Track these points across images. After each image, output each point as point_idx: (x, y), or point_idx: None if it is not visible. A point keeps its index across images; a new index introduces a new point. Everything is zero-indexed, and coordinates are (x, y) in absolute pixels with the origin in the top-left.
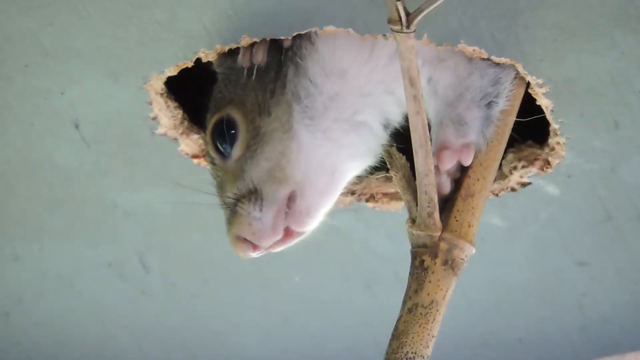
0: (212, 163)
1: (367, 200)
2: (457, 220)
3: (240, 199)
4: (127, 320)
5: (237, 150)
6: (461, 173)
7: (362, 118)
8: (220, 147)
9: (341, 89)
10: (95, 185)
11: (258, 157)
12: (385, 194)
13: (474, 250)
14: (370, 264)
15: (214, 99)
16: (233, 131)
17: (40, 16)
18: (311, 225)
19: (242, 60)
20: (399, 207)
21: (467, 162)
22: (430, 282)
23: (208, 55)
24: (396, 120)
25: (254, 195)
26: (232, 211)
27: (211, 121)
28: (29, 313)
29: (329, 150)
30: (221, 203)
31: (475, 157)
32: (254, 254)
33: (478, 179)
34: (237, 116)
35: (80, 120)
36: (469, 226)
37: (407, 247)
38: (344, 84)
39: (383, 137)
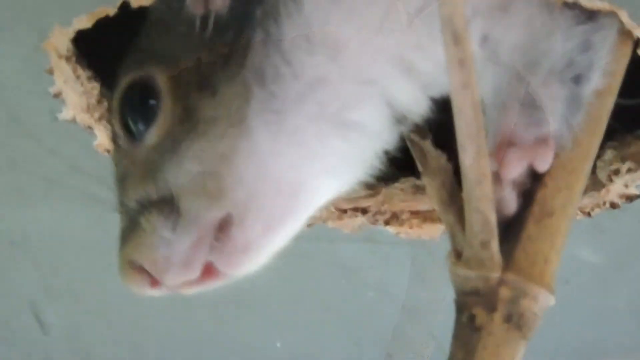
0: (116, 144)
1: (387, 223)
2: (527, 254)
3: (146, 206)
4: None
5: (153, 134)
6: (534, 182)
7: (355, 116)
8: (130, 124)
9: (330, 72)
10: None
11: (184, 153)
12: (414, 213)
13: (553, 300)
14: (391, 320)
15: (136, 49)
16: (153, 103)
17: None
18: (246, 267)
19: (192, 3)
20: (437, 233)
21: (543, 166)
22: (485, 348)
23: None
24: (418, 109)
25: (168, 206)
26: (132, 221)
27: (123, 82)
28: None
29: (296, 161)
30: (118, 205)
31: (556, 157)
32: (152, 292)
33: (560, 191)
34: (162, 83)
35: None
36: (546, 262)
37: (448, 295)
38: (335, 66)
39: (386, 140)
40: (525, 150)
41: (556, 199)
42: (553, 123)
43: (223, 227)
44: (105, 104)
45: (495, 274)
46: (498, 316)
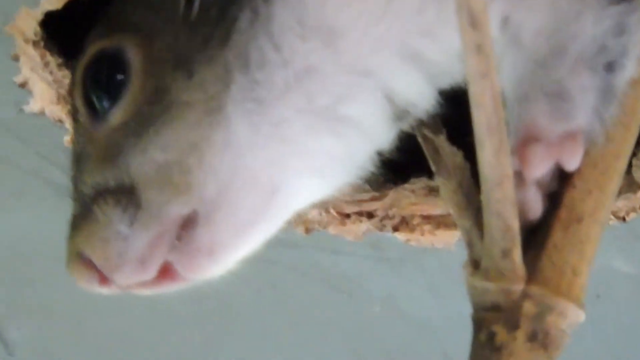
0: (75, 120)
1: (395, 229)
2: (553, 264)
3: (102, 194)
4: None
5: (118, 114)
6: (561, 183)
7: (349, 110)
8: (93, 99)
9: (323, 61)
10: None
11: (150, 138)
12: (426, 217)
13: (582, 316)
14: (399, 337)
15: (109, 15)
16: (120, 78)
17: None
18: (209, 271)
19: None
20: (452, 241)
21: (571, 165)
22: None
23: None
24: (422, 103)
25: (126, 197)
26: (85, 208)
27: (90, 51)
28: None
29: (277, 157)
30: (71, 188)
31: (586, 155)
32: (102, 289)
33: (590, 192)
34: (134, 56)
35: None
36: (574, 274)
37: (464, 309)
38: (330, 54)
39: (383, 138)
40: (551, 146)
41: (586, 202)
42: (582, 116)
43: (187, 225)
44: None
45: (518, 287)
46: (521, 334)
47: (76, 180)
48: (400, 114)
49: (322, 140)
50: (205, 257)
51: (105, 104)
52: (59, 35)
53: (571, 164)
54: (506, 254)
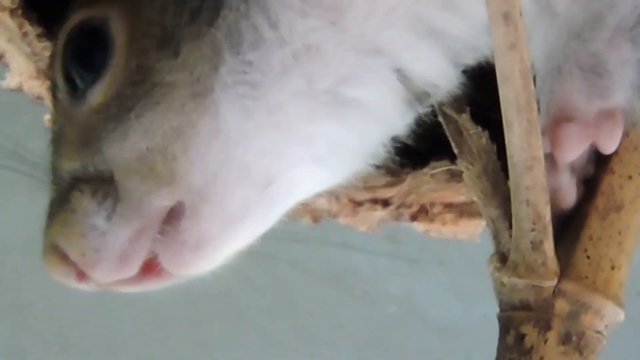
0: (55, 97)
1: (413, 218)
2: (588, 257)
3: (79, 182)
4: None
5: (99, 93)
6: (597, 168)
7: (355, 92)
8: (73, 75)
9: (326, 38)
10: None
11: (131, 122)
12: (448, 206)
13: (622, 315)
14: (418, 340)
15: None
16: (103, 52)
17: None
18: (197, 267)
19: None
20: (476, 231)
21: (608, 147)
22: None
23: None
24: (444, 83)
25: (104, 187)
26: (62, 195)
27: (71, 22)
28: None
29: (272, 145)
30: (49, 171)
31: (625, 136)
32: (79, 285)
33: (630, 178)
34: (117, 30)
35: None
36: (613, 268)
37: (491, 308)
38: (333, 32)
39: (396, 123)
40: (586, 126)
41: (625, 189)
42: (621, 93)
43: (171, 218)
44: None
45: (549, 283)
46: (553, 336)
47: (53, 163)
48: (418, 96)
49: (323, 127)
50: (191, 252)
51: (86, 81)
52: (39, 2)
53: (609, 146)
54: (536, 246)
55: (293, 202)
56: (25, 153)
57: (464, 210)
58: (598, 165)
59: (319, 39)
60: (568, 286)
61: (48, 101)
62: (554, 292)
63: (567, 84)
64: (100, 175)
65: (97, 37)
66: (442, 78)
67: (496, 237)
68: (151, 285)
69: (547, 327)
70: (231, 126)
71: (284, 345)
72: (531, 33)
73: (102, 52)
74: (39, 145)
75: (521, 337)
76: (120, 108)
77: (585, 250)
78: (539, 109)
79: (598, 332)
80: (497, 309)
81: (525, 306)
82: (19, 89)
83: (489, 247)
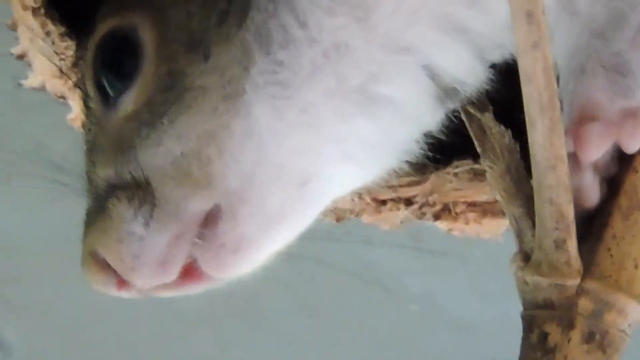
0: (87, 106)
1: (436, 217)
2: (612, 256)
3: (115, 189)
4: None
5: (131, 100)
6: (620, 167)
7: (386, 89)
8: (104, 83)
9: (354, 36)
10: None
11: (165, 128)
12: (471, 204)
13: None
14: (439, 339)
15: None
16: (133, 60)
17: None
18: (237, 270)
19: None
20: (499, 230)
21: (632, 146)
22: None
23: None
24: (473, 80)
25: (141, 193)
26: (99, 203)
27: (100, 31)
28: None
29: (306, 144)
30: (85, 180)
31: None
32: (120, 293)
33: None
34: (146, 36)
35: None
36: (636, 267)
37: (514, 308)
38: (362, 29)
39: (428, 120)
40: (609, 125)
41: None
42: None
43: (209, 221)
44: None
45: (573, 282)
46: (576, 334)
47: (89, 172)
48: (447, 92)
49: (355, 124)
50: (230, 255)
51: (117, 89)
52: (61, 2)
53: (632, 145)
54: (560, 245)
55: (329, 201)
56: (47, 152)
57: (487, 209)
58: (621, 164)
59: (347, 37)
60: (591, 285)
61: (71, 100)
62: (577, 291)
63: (590, 83)
64: (135, 181)
65: (126, 45)
66: (470, 74)
67: (519, 236)
68: (191, 289)
69: (570, 326)
70: (264, 127)
71: (304, 344)
72: (553, 32)
73: (132, 59)
74: (62, 144)
75: (545, 336)
76: (153, 114)
77: (609, 249)
78: (562, 108)
79: (621, 330)
80: (520, 308)
81: (548, 305)
82: (41, 88)
83: (512, 246)
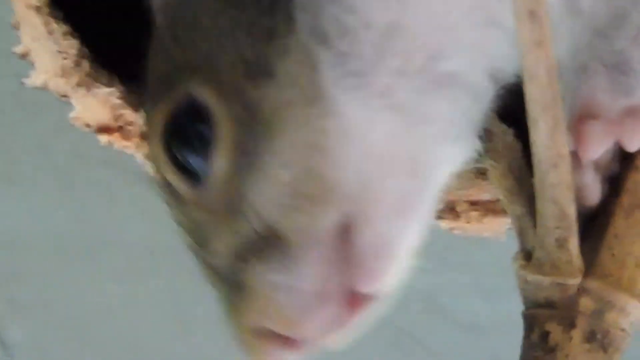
0: (173, 198)
1: (438, 216)
2: (613, 255)
3: (244, 255)
4: None
5: (219, 160)
6: (622, 165)
7: (451, 65)
8: (185, 164)
9: (403, 16)
10: None
11: (264, 163)
12: (473, 203)
13: None
14: (442, 338)
15: (154, 68)
16: (205, 124)
17: None
18: (389, 275)
19: None
20: (501, 229)
21: (633, 144)
22: None
23: None
24: (510, 67)
25: (270, 241)
26: (231, 282)
27: (158, 116)
28: None
29: (400, 127)
30: (202, 271)
31: None
32: (291, 357)
33: None
34: (207, 95)
35: None
36: (637, 266)
37: (516, 307)
38: (407, 9)
39: (490, 96)
40: (610, 124)
41: None
42: None
43: (344, 234)
44: (85, 66)
45: (574, 281)
46: (577, 334)
47: (205, 259)
48: (496, 73)
49: (435, 104)
50: (377, 260)
51: (200, 161)
52: (65, 1)
53: (633, 143)
54: (561, 243)
55: (439, 186)
56: (50, 151)
57: (489, 208)
58: (623, 162)
59: (397, 17)
60: (593, 284)
61: (73, 99)
62: (578, 290)
63: (591, 82)
64: (259, 234)
65: (192, 116)
66: (508, 61)
67: (521, 234)
68: (356, 320)
69: (571, 325)
70: (355, 119)
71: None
72: (558, 30)
73: (203, 125)
74: (64, 143)
75: (546, 335)
76: (247, 158)
77: (610, 248)
78: (564, 106)
79: (623, 330)
80: (522, 307)
81: (549, 304)
82: (44, 87)
83: (514, 245)
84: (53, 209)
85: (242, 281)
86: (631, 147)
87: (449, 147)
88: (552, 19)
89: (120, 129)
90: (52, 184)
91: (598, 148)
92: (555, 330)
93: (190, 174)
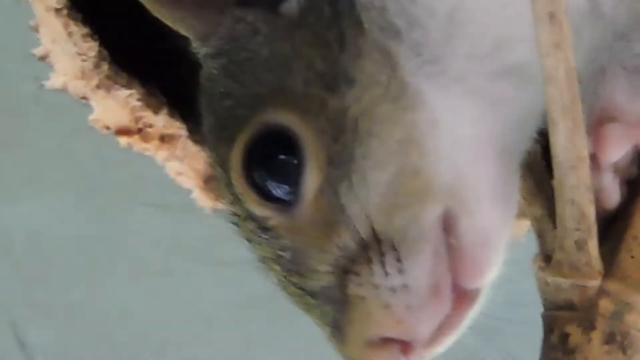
0: (260, 230)
1: None
2: (633, 257)
3: (348, 269)
4: None
5: (311, 180)
6: None
7: (516, 56)
8: (272, 194)
9: (462, 1)
10: None
11: (359, 168)
12: None
13: None
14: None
15: (214, 112)
16: (288, 150)
17: None
18: (494, 264)
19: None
20: (521, 231)
21: None
22: None
23: None
24: None
25: (374, 247)
26: (336, 303)
27: (235, 152)
28: None
29: (481, 113)
30: (303, 305)
31: None
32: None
33: None
34: (286, 118)
35: None
36: None
37: (535, 309)
38: None
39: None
40: (629, 127)
41: None
42: None
43: (449, 227)
44: (105, 68)
45: (594, 283)
46: (597, 335)
47: (304, 286)
48: None
49: (507, 89)
50: (483, 249)
51: (287, 187)
52: (84, 2)
53: None
54: (581, 245)
55: (519, 169)
56: (70, 153)
57: None
58: None
59: (455, 3)
60: (612, 286)
61: (93, 102)
62: (597, 291)
63: (611, 85)
64: (362, 243)
65: (272, 145)
66: None
67: (541, 236)
68: (465, 316)
69: (591, 327)
70: (440, 108)
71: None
72: (578, 34)
73: (285, 150)
74: (83, 145)
75: (565, 337)
76: (341, 169)
77: (630, 250)
78: (583, 109)
79: None
80: (541, 309)
81: (569, 306)
82: (63, 89)
83: (534, 246)
84: (73, 211)
85: (347, 296)
86: None
87: (522, 133)
88: (574, 22)
89: (139, 131)
90: (73, 187)
91: (617, 151)
92: (574, 332)
93: (279, 202)
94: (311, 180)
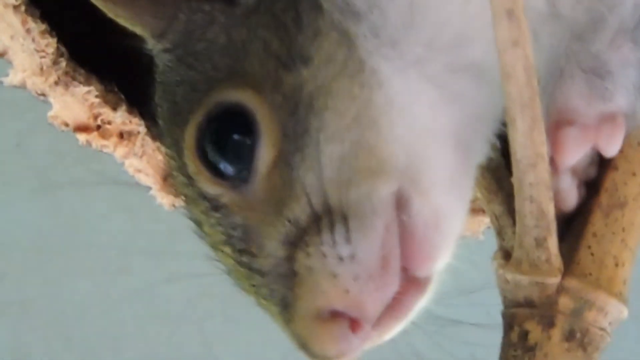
0: (212, 209)
1: None
2: (592, 254)
3: (297, 242)
4: None
5: (265, 155)
6: (601, 164)
7: (475, 52)
8: (225, 172)
9: None
10: None
11: (314, 141)
12: None
13: (625, 312)
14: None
15: (169, 100)
16: (242, 126)
17: None
18: (444, 250)
19: None
20: (479, 228)
21: (610, 150)
22: None
23: None
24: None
25: (326, 218)
26: (286, 274)
27: (189, 132)
28: None
29: (440, 101)
30: (254, 278)
31: (627, 140)
32: (355, 344)
33: (634, 174)
34: (240, 96)
35: None
36: (617, 265)
37: (495, 307)
38: None
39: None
40: (587, 130)
41: (629, 186)
42: (622, 95)
43: (401, 205)
44: (63, 64)
45: (553, 280)
46: (557, 333)
47: (251, 261)
48: None
49: (466, 84)
50: (435, 231)
51: (240, 164)
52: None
53: (610, 149)
54: (540, 243)
55: (480, 160)
56: (27, 150)
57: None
58: (601, 161)
59: None
60: (572, 283)
61: (51, 98)
62: (557, 289)
63: (568, 86)
64: (314, 215)
65: (224, 123)
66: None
67: (500, 233)
68: (417, 301)
69: (550, 324)
70: (396, 88)
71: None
72: (538, 33)
73: (239, 127)
74: (41, 142)
75: (525, 334)
76: (295, 143)
77: (589, 247)
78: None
79: (602, 329)
80: (501, 306)
81: (529, 303)
82: (22, 86)
83: (493, 243)
84: (30, 207)
85: (294, 267)
86: (608, 153)
87: (481, 129)
88: (532, 23)
89: (98, 128)
90: (30, 183)
91: (574, 155)
92: (534, 330)
93: (232, 179)
94: (265, 155)
